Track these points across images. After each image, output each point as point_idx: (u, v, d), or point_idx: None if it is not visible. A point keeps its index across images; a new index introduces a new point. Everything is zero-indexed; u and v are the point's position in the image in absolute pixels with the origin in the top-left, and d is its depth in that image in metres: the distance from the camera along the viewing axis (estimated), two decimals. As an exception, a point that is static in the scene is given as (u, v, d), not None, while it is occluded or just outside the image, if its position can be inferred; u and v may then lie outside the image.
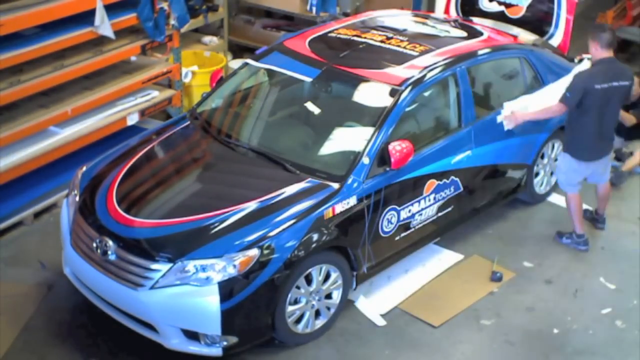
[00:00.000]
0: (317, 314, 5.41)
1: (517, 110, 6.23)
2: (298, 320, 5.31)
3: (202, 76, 8.13)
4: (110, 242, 5.08)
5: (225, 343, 5.03)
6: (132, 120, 7.17)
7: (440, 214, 6.00)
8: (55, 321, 5.51)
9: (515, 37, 6.97)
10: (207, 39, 9.04)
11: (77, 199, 5.51)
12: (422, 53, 6.10)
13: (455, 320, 5.69)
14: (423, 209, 5.83)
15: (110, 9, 6.72)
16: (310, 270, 5.19)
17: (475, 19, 7.34)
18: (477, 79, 6.37)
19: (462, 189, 6.08)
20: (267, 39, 8.97)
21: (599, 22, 8.77)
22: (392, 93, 5.70)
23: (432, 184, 5.82)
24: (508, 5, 7.40)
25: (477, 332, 5.61)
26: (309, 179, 5.39)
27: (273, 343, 5.27)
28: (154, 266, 4.93)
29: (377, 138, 5.47)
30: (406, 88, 5.73)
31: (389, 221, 5.58)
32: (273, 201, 5.20)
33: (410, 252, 5.96)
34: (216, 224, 5.05)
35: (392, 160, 5.37)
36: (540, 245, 6.54)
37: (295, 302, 5.22)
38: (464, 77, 6.06)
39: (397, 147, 5.38)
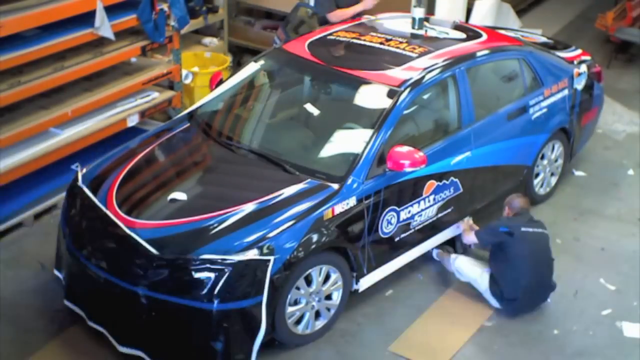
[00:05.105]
0: (317, 315, 5.41)
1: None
2: (298, 321, 5.31)
3: (203, 77, 8.12)
4: (110, 244, 5.09)
5: (224, 344, 5.03)
6: (133, 121, 7.17)
7: (440, 215, 6.00)
8: (55, 322, 5.51)
9: (515, 39, 6.98)
10: (207, 40, 9.05)
11: (77, 200, 5.52)
12: (421, 54, 6.11)
13: (455, 321, 5.69)
14: (423, 210, 5.83)
15: (110, 10, 6.72)
16: (310, 271, 5.20)
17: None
18: (477, 80, 6.37)
19: (461, 190, 6.08)
20: (267, 40, 8.96)
21: None
22: (391, 94, 5.70)
23: (431, 184, 5.82)
24: None
25: (477, 332, 5.61)
26: (309, 180, 5.39)
27: (273, 344, 5.27)
28: (154, 267, 4.94)
29: (376, 139, 5.48)
30: (405, 89, 5.73)
31: (388, 222, 5.58)
32: (272, 202, 5.20)
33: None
34: (215, 225, 5.05)
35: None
36: (540, 246, 6.54)
37: (295, 303, 5.22)
38: (463, 78, 6.06)
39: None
